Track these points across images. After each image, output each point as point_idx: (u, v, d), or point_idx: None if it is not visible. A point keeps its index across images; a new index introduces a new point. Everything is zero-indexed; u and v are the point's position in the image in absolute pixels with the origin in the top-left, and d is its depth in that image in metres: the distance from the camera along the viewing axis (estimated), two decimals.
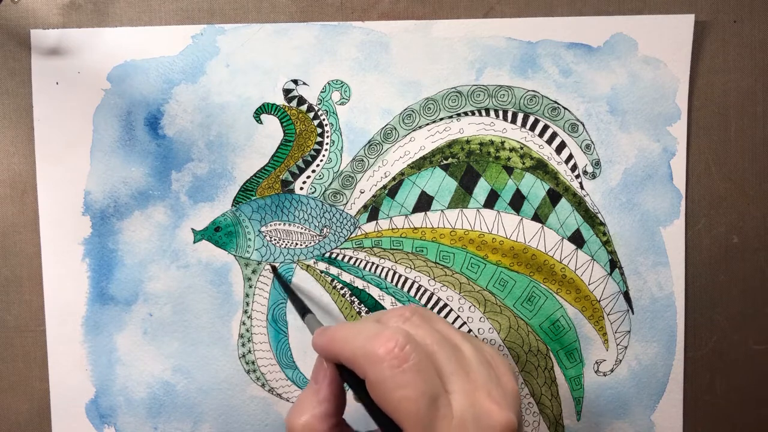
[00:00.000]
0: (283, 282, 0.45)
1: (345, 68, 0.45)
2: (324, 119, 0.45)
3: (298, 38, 0.45)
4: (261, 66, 0.45)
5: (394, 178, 0.46)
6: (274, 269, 0.45)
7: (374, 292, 0.46)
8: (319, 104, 0.45)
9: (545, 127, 0.46)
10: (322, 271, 0.46)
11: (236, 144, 0.45)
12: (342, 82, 0.45)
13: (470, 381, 0.30)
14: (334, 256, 0.46)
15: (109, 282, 0.46)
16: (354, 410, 0.35)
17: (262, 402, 0.46)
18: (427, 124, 0.46)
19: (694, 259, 0.46)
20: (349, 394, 0.34)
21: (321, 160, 0.46)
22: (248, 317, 0.46)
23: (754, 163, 0.46)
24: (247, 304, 0.46)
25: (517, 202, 0.46)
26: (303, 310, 0.40)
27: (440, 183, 0.46)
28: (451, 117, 0.46)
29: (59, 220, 0.45)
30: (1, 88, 0.46)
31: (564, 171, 0.46)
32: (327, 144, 0.45)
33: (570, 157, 0.46)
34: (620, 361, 0.46)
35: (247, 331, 0.46)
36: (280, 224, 0.46)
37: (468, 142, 0.46)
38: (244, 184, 0.45)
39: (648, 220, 0.46)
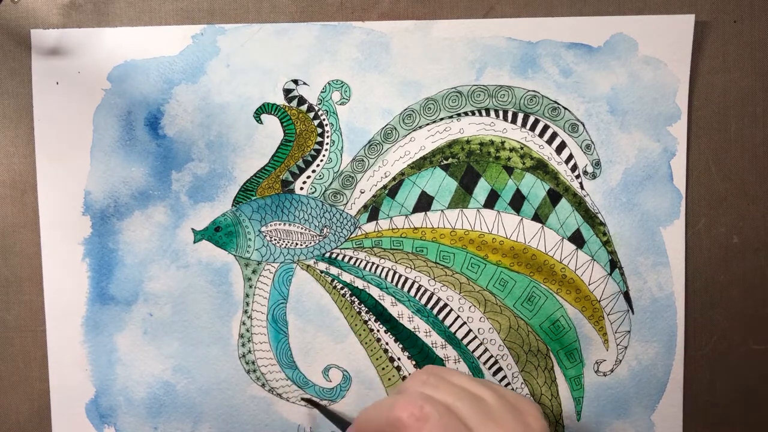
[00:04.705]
0: (317, 405, 0.45)
1: (345, 68, 0.45)
2: (324, 119, 0.45)
3: (298, 38, 0.45)
4: (261, 66, 0.45)
5: (394, 178, 0.46)
6: (308, 401, 0.46)
7: (374, 292, 0.46)
8: (320, 104, 0.45)
9: (545, 127, 0.46)
10: (322, 271, 0.46)
11: (236, 144, 0.45)
12: (342, 82, 0.45)
13: (498, 427, 0.31)
14: (334, 256, 0.46)
15: (109, 282, 0.46)
16: None
17: (262, 402, 0.46)
18: (428, 124, 0.46)
19: (694, 259, 0.46)
20: None
21: (321, 160, 0.46)
22: (248, 317, 0.46)
23: (754, 163, 0.46)
24: (247, 304, 0.46)
25: (517, 202, 0.46)
26: (343, 424, 0.40)
27: (440, 183, 0.46)
28: (451, 117, 0.46)
29: (59, 220, 0.45)
30: (1, 88, 0.46)
31: (564, 171, 0.46)
32: (327, 144, 0.45)
33: (570, 157, 0.46)
34: (620, 361, 0.46)
35: (247, 331, 0.46)
36: (280, 224, 0.46)
37: (468, 142, 0.46)
38: (245, 184, 0.45)
39: (648, 220, 0.46)
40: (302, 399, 0.46)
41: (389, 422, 0.31)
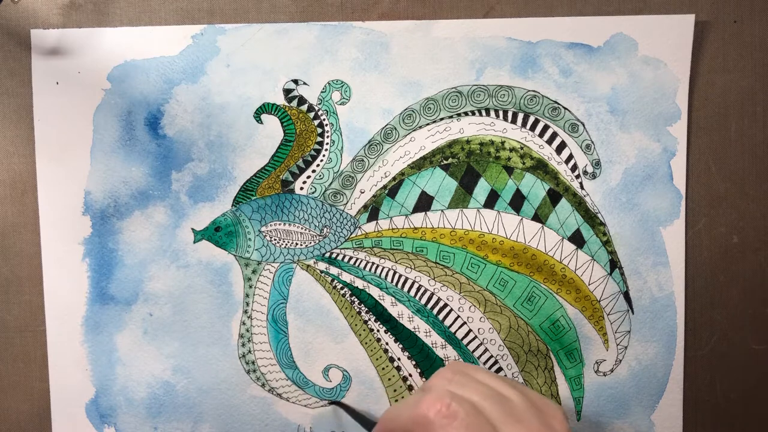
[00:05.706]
0: (345, 407, 0.45)
1: (345, 68, 0.45)
2: (324, 119, 0.45)
3: (298, 38, 0.45)
4: (261, 66, 0.45)
5: (394, 178, 0.46)
6: (332, 402, 0.45)
7: (374, 292, 0.46)
8: (320, 104, 0.45)
9: (545, 127, 0.46)
10: (322, 271, 0.46)
11: (236, 144, 0.45)
12: (342, 82, 0.45)
13: (523, 428, 0.31)
14: (334, 256, 0.46)
15: (109, 282, 0.46)
16: None
17: (262, 402, 0.46)
18: (428, 124, 0.46)
19: (694, 259, 0.46)
20: None
21: (321, 160, 0.46)
22: (248, 317, 0.46)
23: (754, 163, 0.46)
24: (247, 304, 0.46)
25: (517, 202, 0.46)
26: (370, 425, 0.40)
27: (440, 183, 0.46)
28: (451, 117, 0.46)
29: (59, 220, 0.45)
30: (1, 88, 0.46)
31: (564, 171, 0.46)
32: (327, 144, 0.45)
33: (570, 157, 0.46)
34: (620, 361, 0.46)
35: (247, 331, 0.46)
36: (280, 224, 0.46)
37: (468, 142, 0.46)
38: (245, 184, 0.45)
39: (648, 220, 0.46)
40: (330, 403, 0.46)
41: (415, 420, 0.31)
